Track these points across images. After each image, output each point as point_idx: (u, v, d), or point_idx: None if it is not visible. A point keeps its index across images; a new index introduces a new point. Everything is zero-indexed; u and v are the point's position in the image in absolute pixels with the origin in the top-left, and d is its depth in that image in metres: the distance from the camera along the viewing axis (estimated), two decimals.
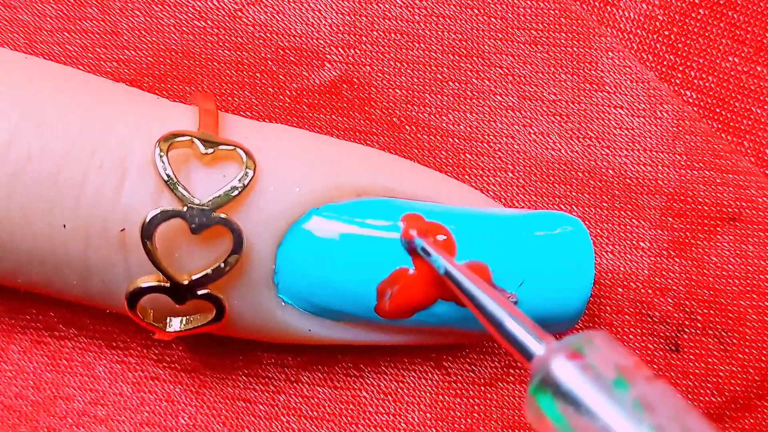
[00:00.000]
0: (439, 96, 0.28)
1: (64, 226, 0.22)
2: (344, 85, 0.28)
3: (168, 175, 0.22)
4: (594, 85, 0.28)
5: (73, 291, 0.24)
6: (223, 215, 0.22)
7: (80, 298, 0.24)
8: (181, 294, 0.22)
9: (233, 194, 0.22)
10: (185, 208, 0.22)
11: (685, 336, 0.28)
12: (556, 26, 0.28)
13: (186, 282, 0.22)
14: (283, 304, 0.24)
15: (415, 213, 0.24)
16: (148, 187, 0.22)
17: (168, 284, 0.22)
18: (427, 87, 0.28)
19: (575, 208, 0.28)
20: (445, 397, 0.28)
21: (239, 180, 0.22)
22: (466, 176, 0.28)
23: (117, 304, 0.23)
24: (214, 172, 0.22)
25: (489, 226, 0.24)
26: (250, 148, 0.23)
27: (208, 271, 0.22)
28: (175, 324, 0.24)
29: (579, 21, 0.28)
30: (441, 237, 0.23)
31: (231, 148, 0.22)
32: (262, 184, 0.23)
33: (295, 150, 0.24)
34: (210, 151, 0.22)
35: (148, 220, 0.21)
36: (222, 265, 0.22)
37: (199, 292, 0.22)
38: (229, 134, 0.23)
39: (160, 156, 0.22)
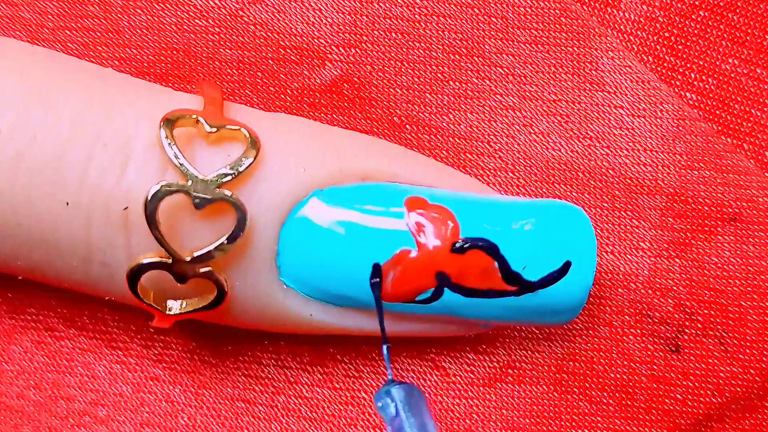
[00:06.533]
0: (439, 96, 0.28)
1: (67, 204, 0.22)
2: (345, 85, 0.28)
3: (172, 151, 0.22)
4: (594, 85, 0.28)
5: (73, 275, 0.24)
6: (226, 192, 0.22)
7: (80, 283, 0.24)
8: (182, 271, 0.22)
9: (238, 170, 0.22)
10: (189, 183, 0.22)
11: (686, 336, 0.28)
12: (557, 26, 0.28)
13: (188, 259, 0.22)
14: (285, 287, 0.24)
15: (418, 196, 0.24)
16: (153, 167, 0.22)
17: (170, 260, 0.22)
18: (427, 86, 0.28)
19: None
20: (444, 397, 0.28)
21: (244, 158, 0.22)
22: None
23: (117, 288, 0.23)
24: (218, 151, 0.23)
25: (491, 211, 0.24)
26: (256, 131, 0.23)
27: (211, 248, 0.22)
28: (175, 307, 0.23)
29: (580, 21, 0.28)
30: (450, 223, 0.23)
31: (236, 128, 0.22)
32: (266, 163, 0.23)
33: (301, 134, 0.24)
34: (214, 130, 0.22)
35: (151, 194, 0.21)
36: (225, 242, 0.22)
37: (201, 270, 0.22)
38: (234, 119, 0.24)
39: (165, 133, 0.22)
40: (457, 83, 0.28)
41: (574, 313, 0.24)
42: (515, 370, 0.28)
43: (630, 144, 0.28)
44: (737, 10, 0.29)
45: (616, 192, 0.28)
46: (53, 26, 0.28)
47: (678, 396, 0.28)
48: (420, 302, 0.24)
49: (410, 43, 0.28)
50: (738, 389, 0.28)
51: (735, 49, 0.29)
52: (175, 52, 0.28)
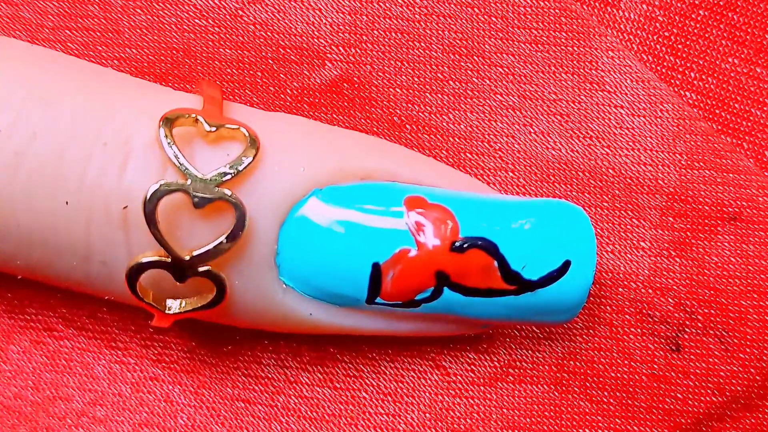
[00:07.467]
0: (439, 95, 0.28)
1: (67, 203, 0.22)
2: (345, 84, 0.28)
3: (171, 150, 0.22)
4: (594, 85, 0.28)
5: (73, 274, 0.24)
6: (226, 191, 0.22)
7: (80, 282, 0.24)
8: (181, 270, 0.22)
9: (237, 169, 0.22)
10: (188, 182, 0.22)
11: (686, 336, 0.28)
12: (557, 26, 0.28)
13: (187, 258, 0.22)
14: (284, 286, 0.24)
15: (418, 195, 0.24)
16: (152, 166, 0.22)
17: (169, 259, 0.22)
18: (427, 86, 0.28)
19: None
20: (445, 397, 0.28)
21: (243, 157, 0.22)
22: None
23: (117, 288, 0.23)
24: (217, 150, 0.22)
25: (491, 210, 0.24)
26: (256, 130, 0.23)
27: (210, 247, 0.22)
28: (174, 306, 0.23)
29: (579, 20, 0.28)
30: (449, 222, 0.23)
31: (235, 127, 0.22)
32: (266, 162, 0.23)
33: (301, 134, 0.24)
34: (214, 129, 0.22)
35: (150, 193, 0.21)
36: (224, 241, 0.22)
37: (200, 269, 0.22)
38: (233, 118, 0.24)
39: (164, 132, 0.22)
40: (457, 83, 0.28)
41: (574, 312, 0.24)
42: (515, 370, 0.28)
43: (630, 143, 0.28)
44: (737, 10, 0.29)
45: (616, 191, 0.28)
46: (53, 26, 0.28)
47: (678, 395, 0.28)
48: (419, 301, 0.24)
49: (410, 43, 0.28)
50: (738, 388, 0.28)
51: (735, 48, 0.29)
52: (175, 52, 0.28)
